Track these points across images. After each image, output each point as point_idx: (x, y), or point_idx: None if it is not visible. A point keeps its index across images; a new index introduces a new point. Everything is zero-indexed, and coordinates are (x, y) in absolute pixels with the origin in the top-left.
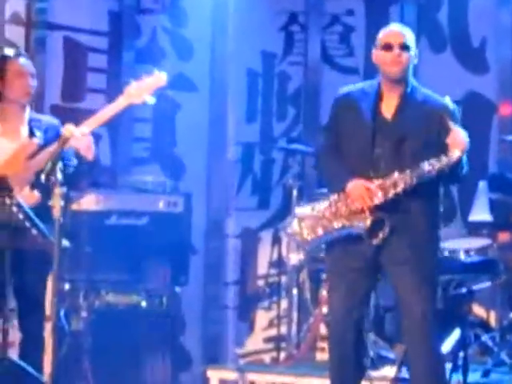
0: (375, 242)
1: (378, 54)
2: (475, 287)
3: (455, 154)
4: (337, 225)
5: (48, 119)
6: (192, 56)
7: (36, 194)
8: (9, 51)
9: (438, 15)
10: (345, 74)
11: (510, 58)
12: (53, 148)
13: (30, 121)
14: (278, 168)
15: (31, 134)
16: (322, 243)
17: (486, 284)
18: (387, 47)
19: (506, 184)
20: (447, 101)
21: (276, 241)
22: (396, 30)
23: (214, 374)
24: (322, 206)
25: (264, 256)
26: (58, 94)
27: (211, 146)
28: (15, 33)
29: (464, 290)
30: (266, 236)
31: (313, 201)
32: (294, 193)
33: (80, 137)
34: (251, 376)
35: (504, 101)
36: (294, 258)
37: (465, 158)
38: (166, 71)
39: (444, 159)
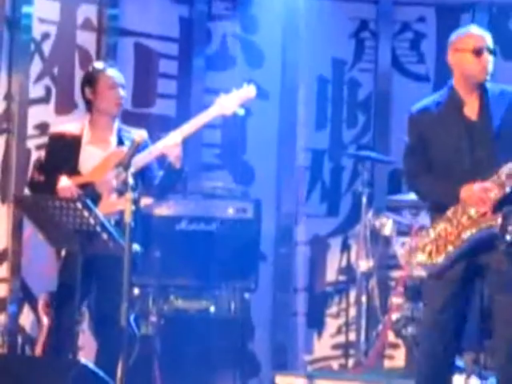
0: (509, 237)
1: (463, 58)
2: None
3: None
4: (465, 235)
5: (136, 131)
6: (262, 63)
7: (122, 201)
8: (99, 64)
9: (510, 23)
10: (415, 80)
11: None
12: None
13: (119, 131)
14: (348, 175)
15: (120, 142)
16: (452, 261)
17: None
18: (477, 52)
19: None
20: None
21: (345, 248)
22: (483, 34)
23: (282, 381)
24: (439, 226)
25: (333, 263)
26: (128, 99)
27: (281, 153)
28: (87, 39)
29: None
30: (335, 243)
31: (382, 210)
32: (364, 200)
33: (172, 145)
34: (320, 383)
35: None
36: (364, 265)
37: None
38: (236, 78)
39: None
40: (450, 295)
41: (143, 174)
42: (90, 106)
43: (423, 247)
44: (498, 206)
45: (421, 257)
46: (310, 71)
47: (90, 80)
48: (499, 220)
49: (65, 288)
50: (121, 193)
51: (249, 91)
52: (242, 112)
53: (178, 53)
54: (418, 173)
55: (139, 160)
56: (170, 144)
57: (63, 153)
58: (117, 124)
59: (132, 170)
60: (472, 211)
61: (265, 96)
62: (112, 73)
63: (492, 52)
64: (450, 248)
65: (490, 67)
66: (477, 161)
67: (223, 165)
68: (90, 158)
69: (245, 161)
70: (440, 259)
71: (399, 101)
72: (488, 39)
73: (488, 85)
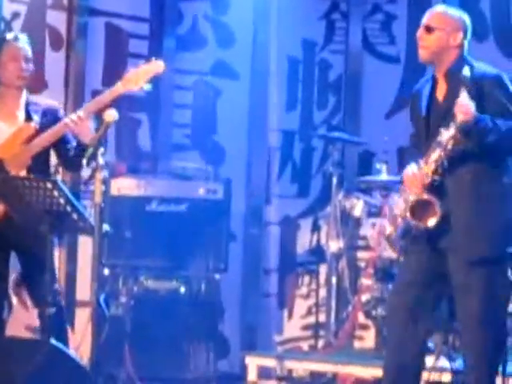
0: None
1: None
2: None
3: (459, 117)
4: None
5: (47, 102)
6: (233, 43)
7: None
8: (10, 35)
9: (480, 4)
10: (386, 62)
11: None
12: (96, 133)
13: (27, 104)
14: (318, 156)
15: (28, 117)
16: None
17: None
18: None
19: None
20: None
21: (315, 228)
22: (429, 11)
23: (252, 361)
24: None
25: (303, 244)
26: (98, 79)
27: (251, 133)
28: (56, 18)
29: None
30: (306, 224)
31: (353, 191)
32: (334, 181)
33: (76, 121)
34: (289, 363)
35: None
36: (334, 246)
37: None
38: (206, 58)
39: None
40: (419, 268)
41: (59, 146)
42: None
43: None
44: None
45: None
46: (281, 52)
47: None
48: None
49: None
50: (30, 169)
51: (157, 66)
52: (148, 87)
53: (148, 33)
54: (409, 146)
55: (50, 134)
56: (73, 120)
57: None
58: (24, 97)
59: (102, 150)
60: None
61: (235, 76)
62: (16, 44)
63: (430, 30)
64: (411, 197)
65: (426, 45)
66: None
67: (194, 145)
68: None
69: (215, 141)
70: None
71: (370, 82)
72: (431, 17)
73: (464, 66)
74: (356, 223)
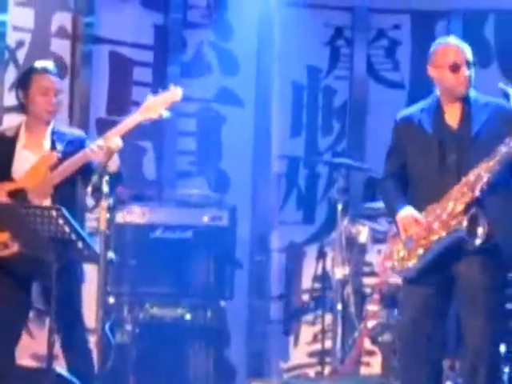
0: (478, 241)
1: (441, 73)
2: None
3: None
4: (434, 238)
5: (73, 132)
6: (237, 70)
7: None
8: (39, 63)
9: (485, 29)
10: (390, 88)
11: None
12: (97, 161)
13: (53, 133)
14: (323, 182)
15: (52, 146)
16: (423, 263)
17: None
18: (454, 67)
19: None
20: (501, 86)
21: (321, 255)
22: (461, 47)
23: None
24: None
25: (309, 270)
26: (103, 107)
27: (256, 160)
28: (61, 46)
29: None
30: (311, 250)
31: (358, 218)
32: (339, 207)
33: (96, 150)
34: None
35: None
36: (339, 272)
37: None
38: (210, 85)
39: None
40: (424, 305)
41: (83, 175)
42: (24, 108)
43: (397, 253)
44: (469, 209)
45: (394, 263)
46: (285, 78)
47: (24, 83)
48: (465, 222)
49: None
50: (53, 198)
51: (175, 94)
52: (167, 114)
53: (152, 60)
54: (386, 176)
55: (72, 163)
56: (93, 148)
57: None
58: (51, 127)
59: (107, 177)
60: (444, 215)
61: (240, 103)
62: (46, 77)
63: (470, 64)
64: (421, 251)
65: (469, 81)
66: (447, 167)
67: (198, 172)
68: (24, 162)
69: (220, 168)
70: (411, 263)
71: (374, 108)
72: (466, 51)
73: (473, 94)
74: (361, 249)
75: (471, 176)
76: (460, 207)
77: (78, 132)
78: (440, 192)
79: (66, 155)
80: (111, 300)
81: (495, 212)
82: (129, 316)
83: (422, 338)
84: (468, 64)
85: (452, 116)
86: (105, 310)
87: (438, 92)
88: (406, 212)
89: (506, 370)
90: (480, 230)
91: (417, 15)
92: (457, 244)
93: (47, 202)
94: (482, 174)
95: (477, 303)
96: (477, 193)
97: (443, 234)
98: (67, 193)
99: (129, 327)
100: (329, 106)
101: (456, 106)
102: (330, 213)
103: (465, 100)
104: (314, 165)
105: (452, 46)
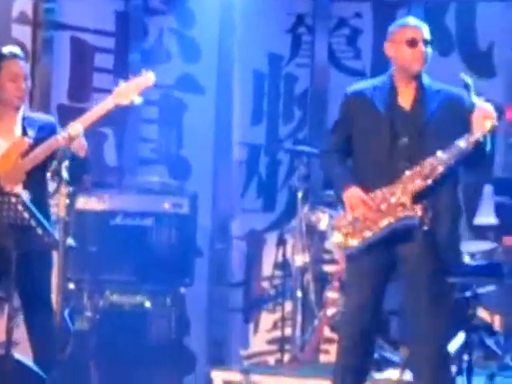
0: (425, 227)
1: (398, 49)
2: (480, 291)
3: (487, 124)
4: (382, 223)
5: (43, 117)
6: (199, 57)
7: (26, 192)
8: (6, 49)
9: (446, 19)
10: (352, 76)
11: None
12: (50, 146)
13: (24, 119)
14: (284, 170)
15: (24, 132)
16: (367, 245)
17: (491, 288)
18: (412, 43)
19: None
20: (462, 76)
21: (281, 242)
22: (419, 25)
23: (218, 375)
24: (358, 210)
25: (269, 258)
26: (64, 93)
27: (217, 148)
28: (22, 32)
29: (469, 293)
30: (271, 238)
31: (318, 205)
32: (300, 195)
33: (66, 137)
34: (255, 377)
35: (510, 105)
36: (299, 259)
37: (488, 136)
38: (172, 72)
39: (477, 134)
40: (369, 290)
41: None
42: None
43: (339, 228)
44: (419, 197)
45: (337, 236)
46: (247, 66)
47: None
48: (419, 212)
49: None
50: (24, 184)
51: (147, 79)
52: (139, 100)
53: (114, 47)
54: (330, 150)
55: (43, 149)
56: (64, 135)
57: None
58: (21, 113)
59: (66, 163)
60: (393, 199)
61: (201, 90)
62: (15, 62)
63: (428, 43)
64: (368, 233)
65: (425, 58)
66: (399, 148)
67: (159, 159)
68: None
69: (181, 155)
70: (356, 242)
71: (335, 96)
72: (424, 30)
73: (426, 80)
74: (321, 237)
75: (427, 166)
76: (410, 195)
77: (48, 117)
78: (388, 174)
79: (37, 141)
80: (71, 286)
81: (438, 202)
82: (88, 303)
83: (365, 318)
84: (425, 42)
85: (405, 98)
86: (64, 296)
87: (392, 71)
88: (354, 192)
89: (465, 357)
90: (427, 220)
91: (378, 4)
92: (403, 229)
93: (19, 189)
94: (437, 166)
95: (420, 287)
96: (429, 182)
97: (392, 220)
98: (38, 179)
99: (89, 314)
100: (290, 93)
101: (410, 87)
102: (290, 200)
103: (418, 84)
104: (275, 152)
105: (411, 23)
